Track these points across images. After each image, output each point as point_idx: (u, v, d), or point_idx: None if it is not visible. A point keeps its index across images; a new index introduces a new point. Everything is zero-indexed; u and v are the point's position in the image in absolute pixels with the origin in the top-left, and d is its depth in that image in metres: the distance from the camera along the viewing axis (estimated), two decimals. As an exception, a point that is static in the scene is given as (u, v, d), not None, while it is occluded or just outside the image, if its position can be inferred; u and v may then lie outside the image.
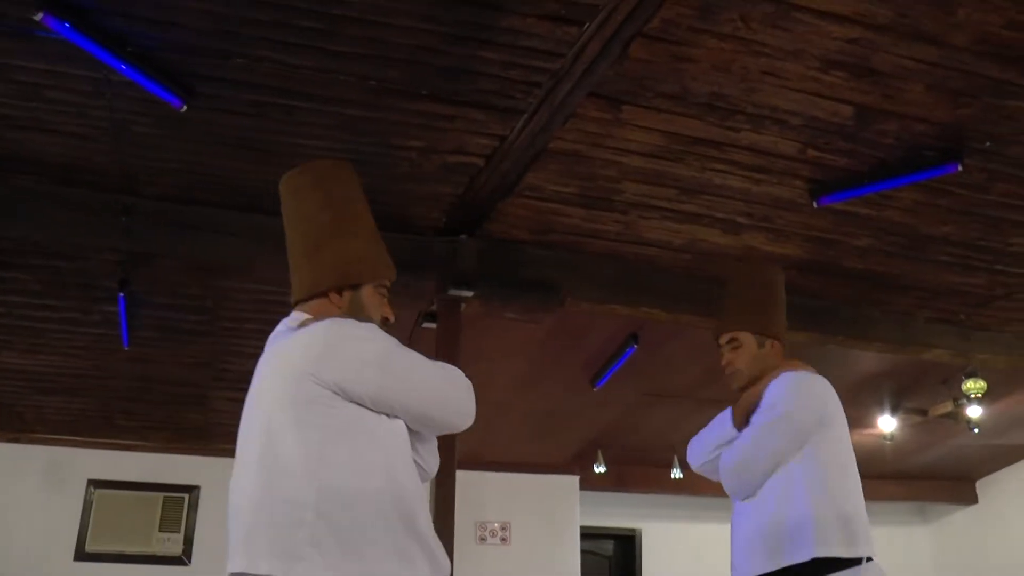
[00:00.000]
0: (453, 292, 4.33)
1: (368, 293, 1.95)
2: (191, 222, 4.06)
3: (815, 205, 4.01)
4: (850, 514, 2.38)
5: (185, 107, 3.26)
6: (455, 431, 1.93)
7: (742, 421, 2.56)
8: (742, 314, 2.67)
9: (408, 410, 1.80)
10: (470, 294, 4.34)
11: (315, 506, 1.63)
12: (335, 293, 1.91)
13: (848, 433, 2.57)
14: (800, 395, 2.50)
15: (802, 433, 2.43)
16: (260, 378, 1.85)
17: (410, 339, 5.18)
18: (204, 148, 3.67)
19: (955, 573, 9.26)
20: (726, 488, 2.56)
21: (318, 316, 1.85)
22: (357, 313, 1.89)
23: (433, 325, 4.59)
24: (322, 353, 1.74)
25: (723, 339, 2.67)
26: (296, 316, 1.92)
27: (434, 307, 4.53)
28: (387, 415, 1.77)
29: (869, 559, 2.35)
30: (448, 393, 1.87)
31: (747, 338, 2.63)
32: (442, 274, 4.33)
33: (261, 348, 1.94)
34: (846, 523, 2.35)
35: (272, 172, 3.76)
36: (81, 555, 6.79)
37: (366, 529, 1.65)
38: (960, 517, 9.34)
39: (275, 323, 5.77)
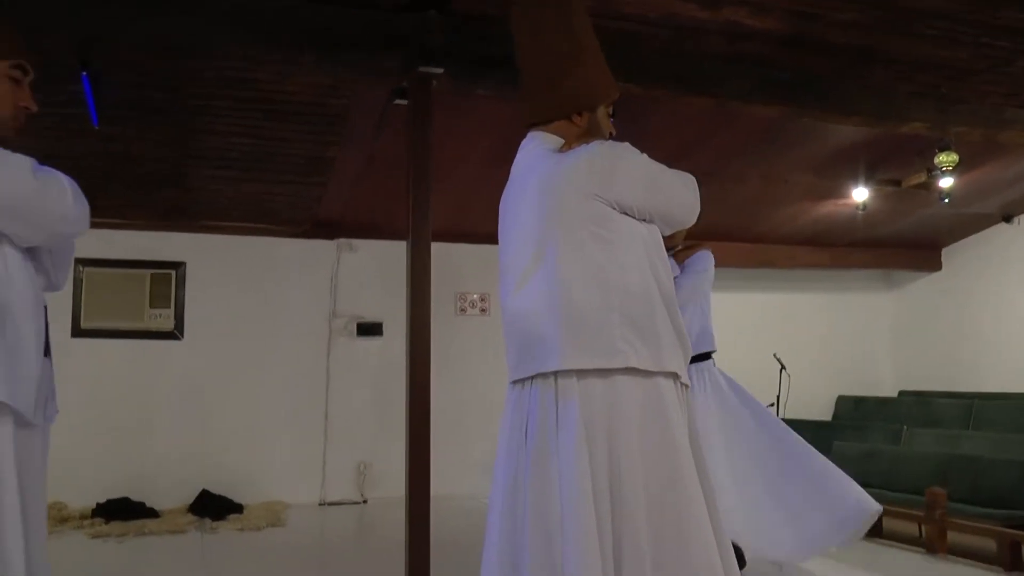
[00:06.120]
0: (423, 69, 4.22)
1: (601, 113, 2.19)
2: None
3: (798, -23, 3.85)
4: None
5: None
6: (686, 227, 2.24)
7: None
8: None
9: (664, 215, 2.08)
10: (440, 71, 4.22)
11: (620, 308, 1.93)
12: (576, 115, 2.14)
13: None
14: None
15: None
16: (527, 197, 2.08)
17: (381, 117, 5.10)
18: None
19: (912, 336, 9.76)
20: None
21: (570, 138, 2.12)
22: (595, 130, 2.15)
23: (404, 102, 4.52)
24: (603, 174, 1.98)
25: None
26: (544, 137, 2.16)
27: (405, 84, 4.43)
28: (645, 220, 2.05)
29: None
30: (688, 196, 2.13)
31: None
32: (411, 51, 4.19)
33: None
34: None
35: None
36: (77, 331, 7.06)
37: (655, 321, 1.96)
38: (923, 284, 9.66)
39: (245, 100, 5.60)
